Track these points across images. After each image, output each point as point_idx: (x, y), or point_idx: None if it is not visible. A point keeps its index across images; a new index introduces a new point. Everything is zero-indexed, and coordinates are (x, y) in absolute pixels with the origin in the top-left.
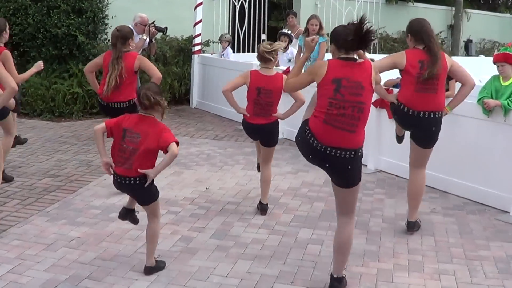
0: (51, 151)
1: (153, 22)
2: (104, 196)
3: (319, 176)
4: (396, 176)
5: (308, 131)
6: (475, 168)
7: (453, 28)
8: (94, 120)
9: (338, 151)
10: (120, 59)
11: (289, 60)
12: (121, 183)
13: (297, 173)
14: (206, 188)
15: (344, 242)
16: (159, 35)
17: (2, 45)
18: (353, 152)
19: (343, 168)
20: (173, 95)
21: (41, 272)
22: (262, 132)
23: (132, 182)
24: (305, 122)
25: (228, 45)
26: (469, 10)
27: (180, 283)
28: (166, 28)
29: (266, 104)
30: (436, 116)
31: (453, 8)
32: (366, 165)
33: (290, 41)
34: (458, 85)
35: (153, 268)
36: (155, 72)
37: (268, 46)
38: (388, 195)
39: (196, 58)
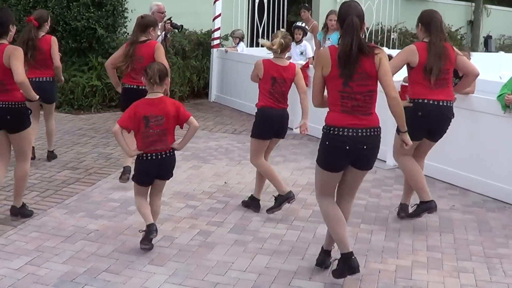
0: (70, 144)
1: (169, 19)
2: (123, 189)
3: None
4: None
5: (330, 128)
6: (495, 165)
7: (473, 24)
8: (112, 112)
9: (365, 131)
10: (134, 46)
11: (301, 53)
12: (157, 159)
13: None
14: (225, 182)
15: (346, 218)
16: None
17: (44, 34)
18: (377, 129)
19: (370, 146)
20: (191, 89)
21: (59, 264)
22: (281, 120)
23: (167, 155)
24: (324, 131)
25: (240, 41)
26: (489, 6)
27: (198, 277)
28: (182, 26)
29: (281, 94)
30: (452, 105)
31: (473, 4)
32: (385, 161)
33: (305, 34)
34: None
35: None
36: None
37: (269, 44)
38: None
39: (215, 52)
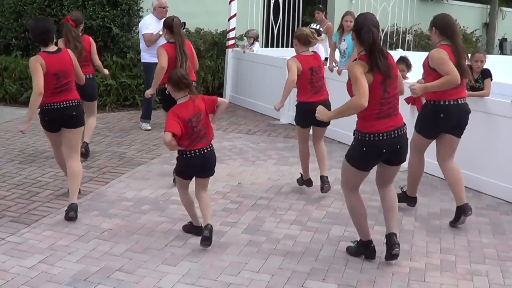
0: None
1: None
2: (137, 188)
3: None
4: (430, 174)
5: (367, 135)
6: (509, 168)
7: (488, 26)
8: (127, 112)
9: (397, 131)
10: (184, 46)
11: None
12: (205, 153)
13: (330, 169)
14: (239, 183)
15: (394, 202)
16: (193, 28)
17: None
18: (405, 127)
19: (403, 145)
20: (206, 89)
21: (73, 263)
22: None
23: (208, 149)
24: (356, 136)
25: (254, 41)
26: (504, 8)
27: (211, 277)
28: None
29: (319, 80)
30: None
31: (488, 6)
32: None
33: (319, 35)
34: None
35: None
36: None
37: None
38: (421, 193)
39: (230, 52)
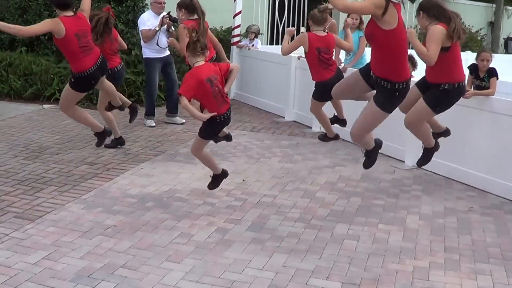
0: (88, 139)
1: (168, 13)
2: (141, 185)
3: (356, 171)
4: (434, 173)
5: (402, 83)
6: None
7: (493, 25)
8: None
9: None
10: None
11: None
12: (226, 118)
13: (334, 167)
14: (243, 180)
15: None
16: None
17: None
18: None
19: None
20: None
21: (76, 259)
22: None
23: (228, 114)
24: (396, 87)
25: (255, 36)
26: (509, 7)
27: (215, 274)
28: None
29: (327, 60)
30: None
31: (494, 5)
32: (404, 161)
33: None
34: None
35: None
36: None
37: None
38: (426, 192)
39: (235, 49)
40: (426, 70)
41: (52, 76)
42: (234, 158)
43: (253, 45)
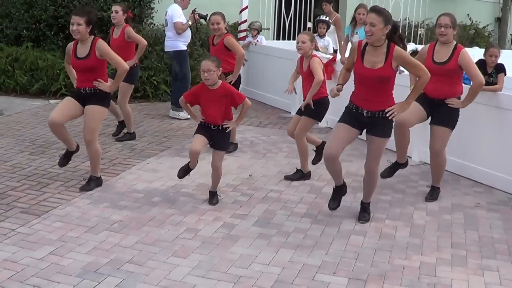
0: None
1: (195, 9)
2: (147, 180)
3: (363, 167)
4: None
5: None
6: None
7: (501, 21)
8: (137, 104)
9: None
10: None
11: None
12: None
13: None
14: (249, 175)
15: None
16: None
17: None
18: None
19: None
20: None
21: (83, 254)
22: None
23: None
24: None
25: (258, 33)
26: None
27: (222, 270)
28: (207, 15)
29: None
30: None
31: (501, 1)
32: (410, 157)
33: (328, 28)
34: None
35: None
36: None
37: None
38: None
39: (241, 44)
40: (430, 87)
41: (58, 71)
42: (241, 153)
43: (257, 41)
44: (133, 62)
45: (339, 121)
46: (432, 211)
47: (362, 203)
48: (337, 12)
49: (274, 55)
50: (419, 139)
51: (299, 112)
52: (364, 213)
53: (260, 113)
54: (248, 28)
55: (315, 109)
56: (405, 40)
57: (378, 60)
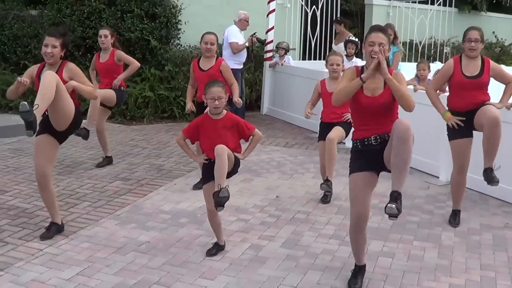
0: (122, 154)
1: (254, 33)
2: (174, 201)
3: (390, 188)
4: (469, 189)
5: None
6: None
7: None
8: (164, 124)
9: None
10: None
11: None
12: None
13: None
14: (277, 196)
15: None
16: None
17: None
18: None
19: None
20: (244, 101)
21: (110, 275)
22: None
23: None
24: None
25: (285, 53)
26: None
27: None
28: (265, 40)
29: None
30: None
31: None
32: (438, 177)
33: (357, 48)
34: None
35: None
36: None
37: None
38: (461, 208)
39: (267, 64)
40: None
41: None
42: (268, 174)
43: (285, 61)
44: (119, 81)
45: (351, 172)
46: (460, 232)
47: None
48: (363, 30)
49: (300, 75)
50: (447, 159)
51: (323, 138)
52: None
53: (287, 134)
54: (275, 49)
55: (344, 125)
56: (431, 59)
57: (380, 86)
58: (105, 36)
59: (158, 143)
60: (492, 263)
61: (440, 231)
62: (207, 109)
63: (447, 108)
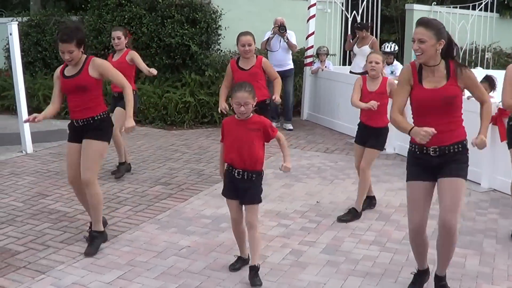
0: (162, 159)
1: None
2: (215, 206)
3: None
4: (507, 194)
5: None
6: None
7: None
8: (205, 129)
9: None
10: None
11: (392, 72)
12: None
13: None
14: (317, 202)
15: None
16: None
17: None
18: None
19: None
20: (291, 103)
21: (151, 279)
22: None
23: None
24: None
25: (326, 57)
26: None
27: None
28: (285, 27)
29: None
30: None
31: None
32: (480, 184)
33: (394, 56)
34: None
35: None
36: None
37: None
38: (503, 215)
39: (308, 70)
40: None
41: None
42: (308, 179)
43: (326, 66)
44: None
45: (409, 179)
46: (502, 239)
47: (436, 277)
48: (403, 36)
49: (340, 80)
50: (489, 166)
51: (359, 141)
52: None
53: (327, 139)
54: (315, 54)
55: (380, 138)
56: (472, 64)
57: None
58: (118, 38)
59: (199, 148)
60: None
61: (481, 238)
62: None
63: None
